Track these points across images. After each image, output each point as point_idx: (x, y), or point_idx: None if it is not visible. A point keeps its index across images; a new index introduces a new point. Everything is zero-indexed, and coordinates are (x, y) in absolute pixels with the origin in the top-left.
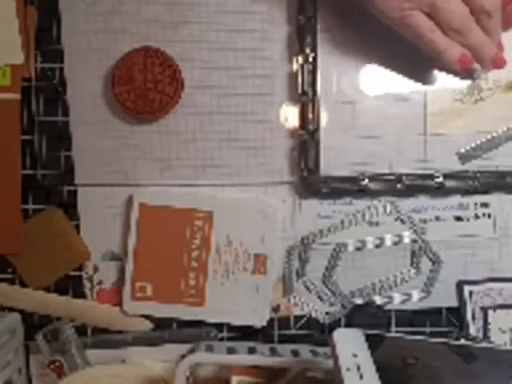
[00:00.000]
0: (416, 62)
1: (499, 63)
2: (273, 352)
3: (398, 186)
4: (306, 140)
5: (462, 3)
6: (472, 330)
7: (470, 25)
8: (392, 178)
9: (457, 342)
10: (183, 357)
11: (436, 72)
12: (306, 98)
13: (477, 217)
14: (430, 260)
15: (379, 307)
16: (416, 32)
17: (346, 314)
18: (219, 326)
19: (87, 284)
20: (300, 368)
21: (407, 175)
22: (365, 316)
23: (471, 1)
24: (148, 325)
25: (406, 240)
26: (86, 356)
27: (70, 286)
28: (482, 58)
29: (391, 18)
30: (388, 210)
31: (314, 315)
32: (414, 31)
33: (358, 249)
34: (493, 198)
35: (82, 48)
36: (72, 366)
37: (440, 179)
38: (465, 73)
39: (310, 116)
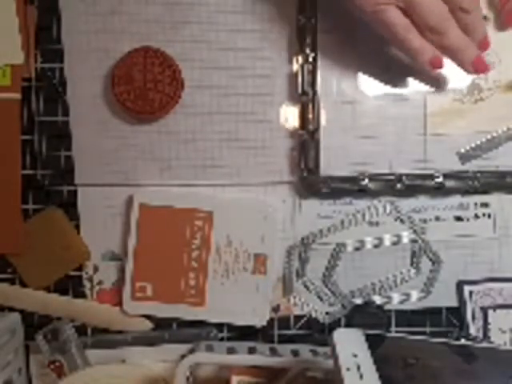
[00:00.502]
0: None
1: (480, 67)
2: (273, 352)
3: (398, 185)
4: (306, 140)
5: (440, 1)
6: (472, 330)
7: (448, 24)
8: (392, 177)
9: (457, 342)
10: (183, 357)
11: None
12: (306, 98)
13: (477, 217)
14: (430, 260)
15: (379, 307)
16: (390, 29)
17: (345, 314)
18: (219, 326)
19: (87, 284)
20: (300, 368)
21: (407, 175)
22: (365, 316)
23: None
24: (148, 325)
25: (405, 240)
26: (86, 356)
27: (70, 286)
28: (462, 61)
29: (367, 12)
30: (388, 210)
31: (313, 315)
32: (388, 28)
33: (356, 249)
34: (493, 198)
35: (82, 48)
36: (72, 366)
37: (440, 179)
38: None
39: (310, 116)
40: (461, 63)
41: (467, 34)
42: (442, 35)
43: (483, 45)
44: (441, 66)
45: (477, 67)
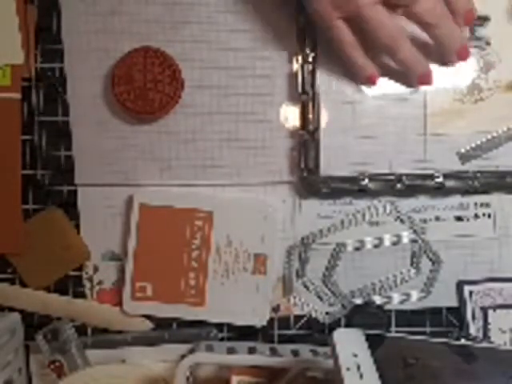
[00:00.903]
0: None
1: (425, 81)
2: (273, 352)
3: (398, 185)
4: (306, 140)
5: (393, 19)
6: (472, 330)
7: (400, 42)
8: (392, 177)
9: (457, 342)
10: (183, 357)
11: (436, 71)
12: (306, 98)
13: (477, 217)
14: (430, 260)
15: (379, 307)
16: (339, 45)
17: (345, 314)
18: (219, 326)
19: (87, 284)
20: (300, 368)
21: (407, 175)
22: (365, 316)
23: (410, 13)
24: (148, 325)
25: (405, 240)
26: (86, 356)
27: (70, 285)
28: (411, 76)
29: (321, 27)
30: (388, 210)
31: (313, 315)
32: (337, 44)
33: (356, 249)
34: (493, 198)
35: (81, 48)
36: (72, 366)
37: (440, 179)
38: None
39: (310, 116)
40: (409, 77)
41: (440, 46)
42: (394, 52)
43: (460, 54)
44: (375, 83)
45: (422, 82)
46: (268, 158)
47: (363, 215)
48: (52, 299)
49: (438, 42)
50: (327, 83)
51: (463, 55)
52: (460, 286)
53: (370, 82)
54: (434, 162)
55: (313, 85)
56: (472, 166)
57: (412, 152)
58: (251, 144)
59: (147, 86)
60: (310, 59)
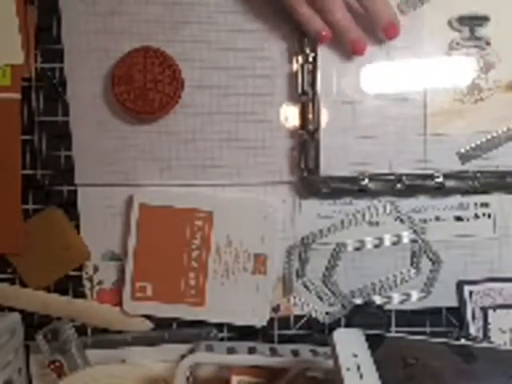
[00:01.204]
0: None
1: (357, 50)
2: (273, 352)
3: (398, 185)
4: (306, 140)
5: None
6: (472, 330)
7: (330, 2)
8: (392, 177)
9: (457, 342)
10: (183, 357)
11: (436, 71)
12: (305, 98)
13: (477, 217)
14: (430, 260)
15: (379, 307)
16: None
17: (345, 314)
18: (219, 326)
19: (87, 284)
20: (300, 368)
21: (407, 175)
22: (365, 316)
23: None
24: (148, 325)
25: (405, 240)
26: (86, 356)
27: (70, 286)
28: (345, 42)
29: None
30: (388, 210)
31: (313, 315)
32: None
33: (356, 249)
34: (493, 198)
35: (82, 48)
36: (72, 366)
37: (440, 179)
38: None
39: (310, 116)
40: (344, 43)
41: (370, 17)
42: (326, 11)
43: (388, 31)
44: (325, 39)
45: (354, 50)
46: (268, 158)
47: (363, 215)
48: (52, 299)
49: (367, 13)
50: (327, 83)
51: (390, 32)
52: (460, 286)
53: (320, 37)
54: (434, 162)
55: (313, 85)
56: (472, 165)
57: (412, 152)
58: (251, 144)
59: (147, 86)
60: (310, 59)
